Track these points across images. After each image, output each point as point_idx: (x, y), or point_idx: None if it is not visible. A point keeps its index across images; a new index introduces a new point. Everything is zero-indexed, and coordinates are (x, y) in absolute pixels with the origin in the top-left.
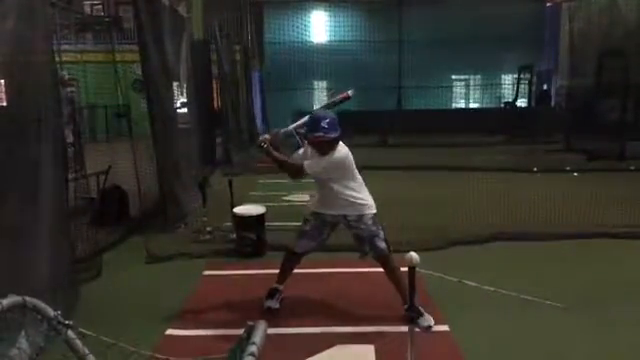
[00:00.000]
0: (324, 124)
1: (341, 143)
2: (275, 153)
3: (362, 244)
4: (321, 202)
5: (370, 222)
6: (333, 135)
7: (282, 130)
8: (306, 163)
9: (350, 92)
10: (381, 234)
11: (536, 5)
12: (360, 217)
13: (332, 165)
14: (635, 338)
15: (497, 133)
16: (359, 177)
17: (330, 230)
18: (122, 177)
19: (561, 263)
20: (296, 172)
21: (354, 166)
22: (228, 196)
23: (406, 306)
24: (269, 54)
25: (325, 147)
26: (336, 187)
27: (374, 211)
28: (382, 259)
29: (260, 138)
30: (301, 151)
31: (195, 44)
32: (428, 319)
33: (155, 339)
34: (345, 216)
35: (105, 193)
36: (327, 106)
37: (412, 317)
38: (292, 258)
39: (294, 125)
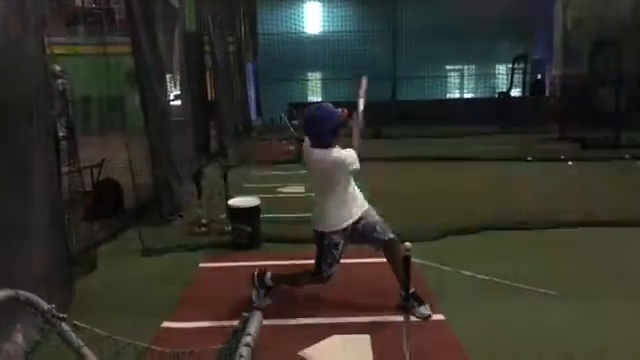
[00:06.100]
0: (330, 106)
1: None
2: (358, 143)
3: (375, 230)
4: (345, 210)
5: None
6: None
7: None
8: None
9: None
10: None
11: None
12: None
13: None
14: (628, 325)
15: (491, 123)
16: None
17: None
18: (116, 170)
19: (556, 251)
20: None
21: None
22: (223, 188)
23: (404, 294)
24: (263, 45)
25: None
26: (353, 180)
27: None
28: (392, 242)
29: (354, 118)
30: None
31: (188, 35)
32: (429, 308)
33: (151, 331)
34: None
35: (99, 186)
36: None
37: (408, 306)
38: (317, 283)
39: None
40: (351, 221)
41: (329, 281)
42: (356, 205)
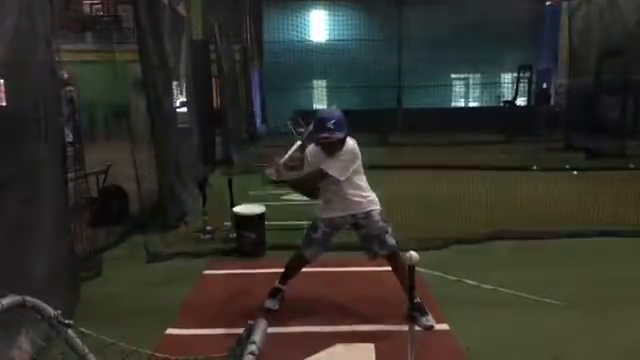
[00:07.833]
0: (330, 125)
1: (348, 137)
2: (290, 176)
3: (371, 242)
4: (329, 206)
5: (378, 218)
6: (340, 135)
7: (281, 161)
8: (325, 166)
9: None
10: (389, 229)
11: (536, 4)
12: (368, 214)
13: (351, 160)
14: (635, 337)
15: (496, 131)
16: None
17: (337, 232)
18: (122, 176)
19: (561, 262)
20: (318, 179)
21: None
22: (228, 195)
23: (409, 304)
24: (268, 53)
25: (332, 148)
26: (344, 186)
27: (380, 207)
28: (392, 255)
29: (266, 172)
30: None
31: (194, 43)
32: (431, 319)
33: (155, 338)
34: (354, 215)
35: (105, 192)
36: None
37: (413, 316)
38: (300, 263)
39: (289, 154)
40: (330, 215)
41: (308, 262)
42: (340, 204)
